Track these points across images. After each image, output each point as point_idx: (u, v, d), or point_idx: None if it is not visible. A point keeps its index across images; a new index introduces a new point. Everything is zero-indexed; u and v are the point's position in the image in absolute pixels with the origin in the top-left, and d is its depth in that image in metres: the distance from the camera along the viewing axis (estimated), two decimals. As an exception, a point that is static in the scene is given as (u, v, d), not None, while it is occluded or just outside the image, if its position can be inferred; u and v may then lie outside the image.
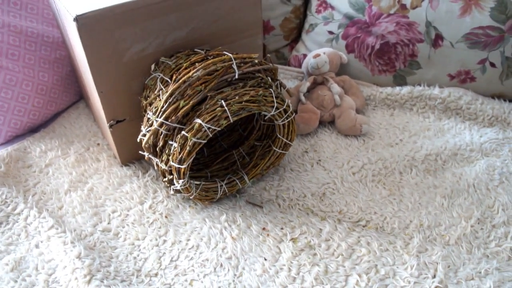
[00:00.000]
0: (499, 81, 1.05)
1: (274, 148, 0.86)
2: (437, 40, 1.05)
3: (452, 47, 1.04)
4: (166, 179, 0.78)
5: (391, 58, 1.10)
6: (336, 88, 1.03)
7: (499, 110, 1.03)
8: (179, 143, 0.71)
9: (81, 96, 1.15)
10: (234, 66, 0.73)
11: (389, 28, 1.08)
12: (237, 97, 0.72)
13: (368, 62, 1.13)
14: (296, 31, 1.29)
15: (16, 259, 0.76)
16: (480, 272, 0.72)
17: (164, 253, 0.77)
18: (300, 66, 1.22)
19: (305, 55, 1.20)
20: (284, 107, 0.77)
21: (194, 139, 0.70)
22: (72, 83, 1.11)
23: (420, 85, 1.10)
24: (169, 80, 0.77)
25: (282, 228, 0.81)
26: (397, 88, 1.10)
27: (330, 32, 1.16)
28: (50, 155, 0.98)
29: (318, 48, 1.16)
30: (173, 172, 0.75)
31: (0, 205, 0.85)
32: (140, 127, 0.78)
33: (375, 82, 1.15)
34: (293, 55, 1.26)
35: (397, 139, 1.00)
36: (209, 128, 0.70)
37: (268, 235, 0.79)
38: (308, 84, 1.06)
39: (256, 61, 0.77)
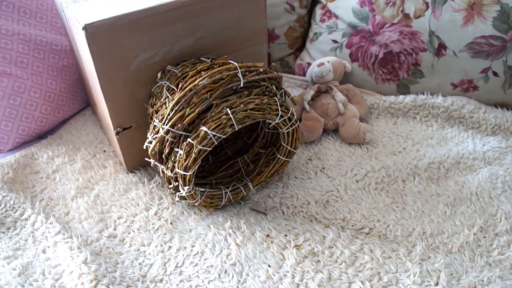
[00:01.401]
0: (502, 90, 1.05)
1: (279, 156, 0.86)
2: (440, 49, 1.06)
3: (455, 56, 1.05)
4: (172, 185, 0.79)
5: (395, 67, 1.11)
6: (340, 96, 1.04)
7: (502, 119, 1.03)
8: (184, 150, 0.72)
9: (88, 103, 1.16)
10: (240, 75, 0.74)
11: (392, 37, 1.08)
12: (242, 105, 0.72)
13: (371, 71, 1.13)
14: (300, 40, 1.29)
15: (24, 264, 0.77)
16: (482, 280, 0.72)
17: (169, 259, 0.78)
18: (304, 74, 1.22)
19: (309, 64, 1.20)
20: (289, 115, 0.78)
21: (199, 147, 0.71)
22: (79, 90, 1.12)
23: (423, 93, 1.10)
24: (175, 88, 0.77)
25: (286, 235, 0.81)
26: (401, 96, 1.10)
27: (334, 41, 1.17)
28: (57, 162, 0.98)
29: (322, 57, 1.16)
30: (178, 179, 0.75)
31: (7, 211, 0.86)
32: (146, 134, 0.79)
33: (378, 90, 1.16)
34: (297, 63, 1.26)
35: (400, 147, 1.00)
36: (214, 135, 0.71)
37: (272, 242, 0.80)
38: (312, 92, 1.06)
39: (261, 69, 0.77)
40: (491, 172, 0.92)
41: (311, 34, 1.23)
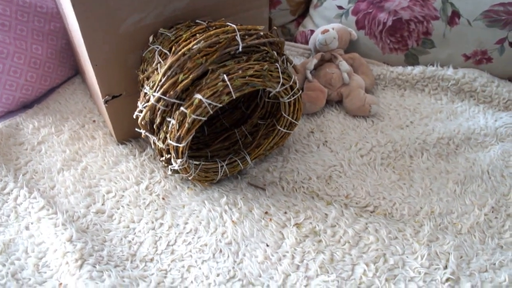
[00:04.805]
0: (518, 63, 1.02)
1: (279, 128, 0.83)
2: (453, 17, 1.01)
3: (469, 25, 1.01)
4: (164, 158, 0.76)
5: (404, 35, 1.07)
6: (344, 65, 1.01)
7: (516, 94, 1.00)
8: (177, 120, 0.68)
9: (77, 71, 1.13)
10: (238, 38, 0.70)
11: (402, 3, 1.04)
12: (240, 71, 0.69)
13: (379, 40, 1.10)
14: (303, 6, 1.27)
15: (5, 241, 0.74)
16: (494, 264, 0.70)
17: (161, 237, 0.75)
18: (307, 42, 1.20)
19: (312, 31, 1.18)
20: (291, 83, 0.74)
21: (193, 116, 0.67)
22: (68, 56, 1.08)
23: (433, 65, 1.08)
24: (168, 53, 0.73)
25: (285, 213, 0.78)
26: (409, 67, 1.08)
27: (340, 7, 1.13)
28: (43, 132, 0.95)
29: (327, 24, 1.14)
30: (171, 151, 0.72)
31: (-11, 184, 0.83)
32: (137, 103, 0.75)
33: (385, 60, 1.13)
34: (299, 30, 1.23)
35: (407, 121, 0.98)
36: (209, 104, 0.67)
37: (270, 219, 0.77)
38: (315, 61, 1.03)
39: (262, 33, 0.73)
40: (504, 149, 0.89)
41: (315, 0, 1.19)
